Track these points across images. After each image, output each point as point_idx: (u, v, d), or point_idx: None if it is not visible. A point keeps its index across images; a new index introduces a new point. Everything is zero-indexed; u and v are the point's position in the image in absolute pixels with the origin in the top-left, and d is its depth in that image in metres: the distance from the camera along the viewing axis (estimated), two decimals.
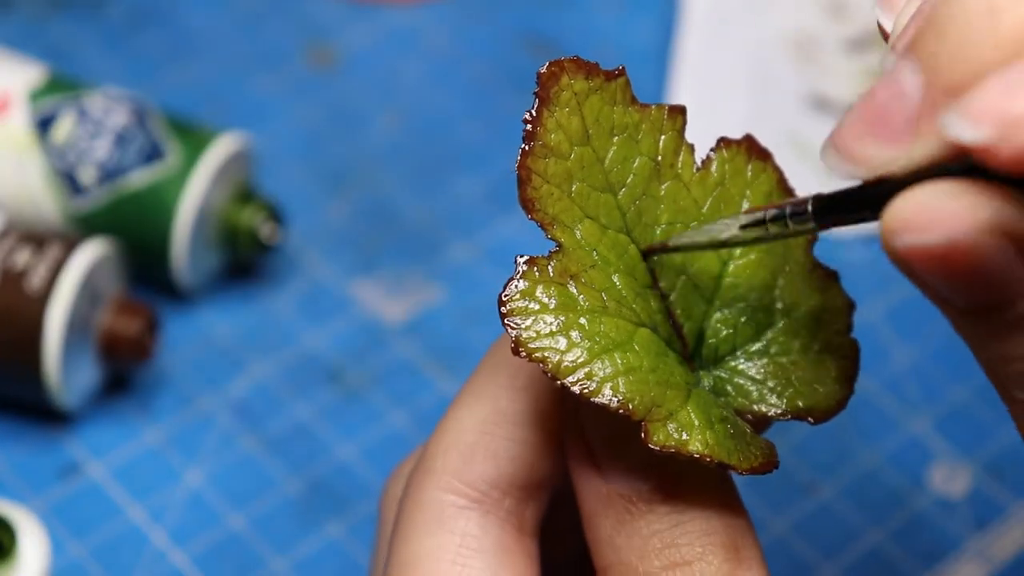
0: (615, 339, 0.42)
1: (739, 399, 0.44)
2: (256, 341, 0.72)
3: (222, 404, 0.70)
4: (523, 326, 0.42)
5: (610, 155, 0.44)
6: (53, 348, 0.66)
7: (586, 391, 0.41)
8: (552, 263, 0.42)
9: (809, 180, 0.78)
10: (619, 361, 0.42)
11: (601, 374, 0.41)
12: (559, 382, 0.41)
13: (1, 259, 0.67)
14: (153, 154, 0.70)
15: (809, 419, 0.44)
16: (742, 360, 0.45)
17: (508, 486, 0.45)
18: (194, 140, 0.71)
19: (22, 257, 0.67)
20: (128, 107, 0.71)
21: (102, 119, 0.71)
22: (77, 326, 0.67)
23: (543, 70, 0.43)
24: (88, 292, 0.67)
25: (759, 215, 0.42)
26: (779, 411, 0.44)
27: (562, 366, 0.41)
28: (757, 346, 0.45)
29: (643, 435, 0.41)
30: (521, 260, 0.42)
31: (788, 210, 0.41)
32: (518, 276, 0.42)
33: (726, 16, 0.84)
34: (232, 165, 0.72)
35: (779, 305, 0.45)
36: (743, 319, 0.45)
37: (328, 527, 0.67)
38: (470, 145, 0.80)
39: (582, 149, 0.43)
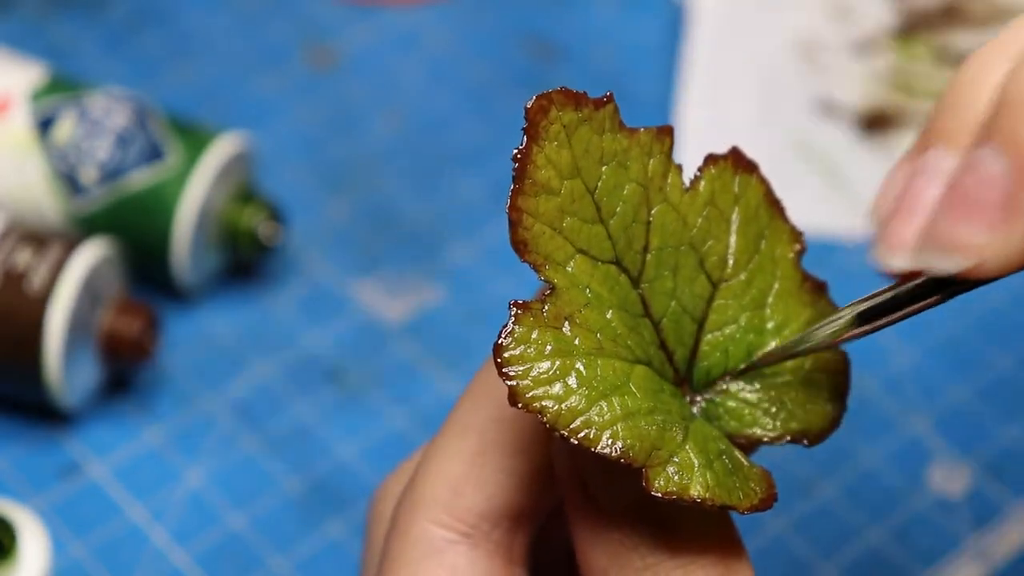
0: (612, 382, 0.41)
1: (732, 423, 0.43)
2: (256, 341, 0.72)
3: (222, 404, 0.70)
4: (519, 374, 0.40)
5: (600, 185, 0.42)
6: (54, 348, 0.66)
7: (585, 440, 0.40)
8: (546, 306, 0.41)
9: (813, 183, 0.78)
10: (617, 405, 0.40)
11: (600, 420, 0.40)
12: (557, 433, 0.40)
13: (2, 259, 0.67)
14: (153, 154, 0.70)
15: (804, 441, 0.43)
16: (734, 383, 0.44)
17: (498, 517, 0.44)
18: (194, 140, 0.71)
19: (23, 257, 0.67)
20: (129, 107, 0.71)
21: (103, 119, 0.71)
22: (78, 326, 0.67)
23: (530, 104, 0.41)
24: (89, 292, 0.67)
25: (878, 301, 0.40)
26: (773, 435, 0.43)
27: (560, 416, 0.40)
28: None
29: (644, 482, 0.40)
30: (515, 305, 0.41)
31: (904, 292, 0.39)
32: (512, 322, 0.40)
33: (733, 20, 0.84)
34: (232, 165, 0.72)
35: (770, 324, 0.44)
36: (734, 341, 0.44)
37: (328, 527, 0.67)
38: (470, 145, 0.80)
39: (572, 182, 0.41)
